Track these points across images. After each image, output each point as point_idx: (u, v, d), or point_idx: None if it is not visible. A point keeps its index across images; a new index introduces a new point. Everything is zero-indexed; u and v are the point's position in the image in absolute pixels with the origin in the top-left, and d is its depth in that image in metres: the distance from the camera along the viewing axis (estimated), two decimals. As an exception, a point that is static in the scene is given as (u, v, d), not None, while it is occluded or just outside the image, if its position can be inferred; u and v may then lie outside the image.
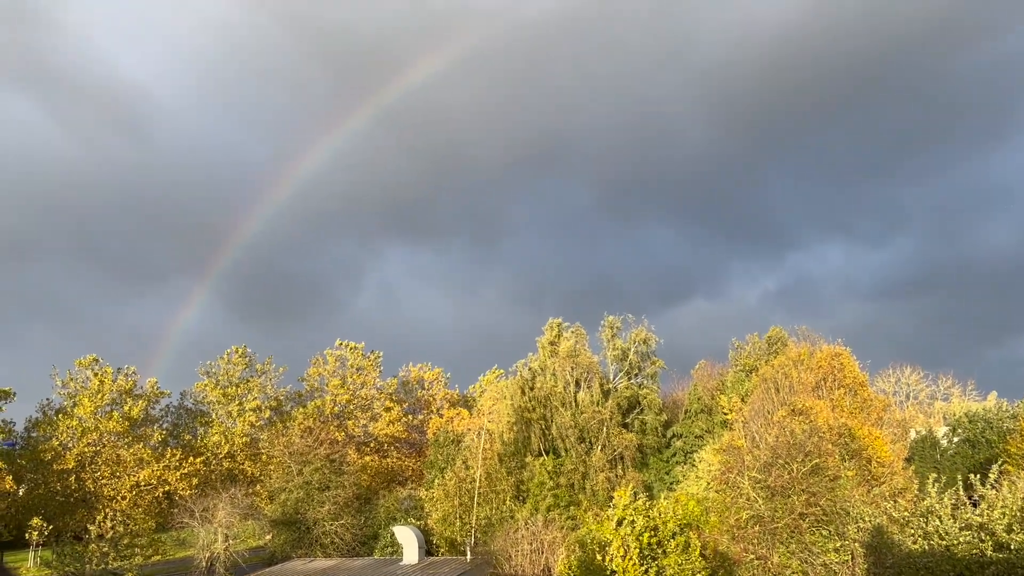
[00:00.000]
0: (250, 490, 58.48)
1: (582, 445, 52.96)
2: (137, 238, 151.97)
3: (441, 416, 74.16)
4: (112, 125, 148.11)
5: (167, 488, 60.77)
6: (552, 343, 59.61)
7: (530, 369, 59.56)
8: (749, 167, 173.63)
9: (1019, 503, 28.54)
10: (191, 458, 62.58)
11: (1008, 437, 47.70)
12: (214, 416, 70.45)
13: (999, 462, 32.52)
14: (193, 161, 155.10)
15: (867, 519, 32.07)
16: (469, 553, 43.03)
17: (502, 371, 67.53)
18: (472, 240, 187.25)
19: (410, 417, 77.20)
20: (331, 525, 50.84)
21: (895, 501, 33.72)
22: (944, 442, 52.57)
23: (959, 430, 52.20)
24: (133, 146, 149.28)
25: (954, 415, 59.33)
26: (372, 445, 72.54)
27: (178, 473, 60.92)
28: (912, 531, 30.56)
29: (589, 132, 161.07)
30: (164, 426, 68.92)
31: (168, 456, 61.86)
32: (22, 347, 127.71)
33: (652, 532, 34.75)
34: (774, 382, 53.34)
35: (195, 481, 60.85)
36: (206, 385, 70.61)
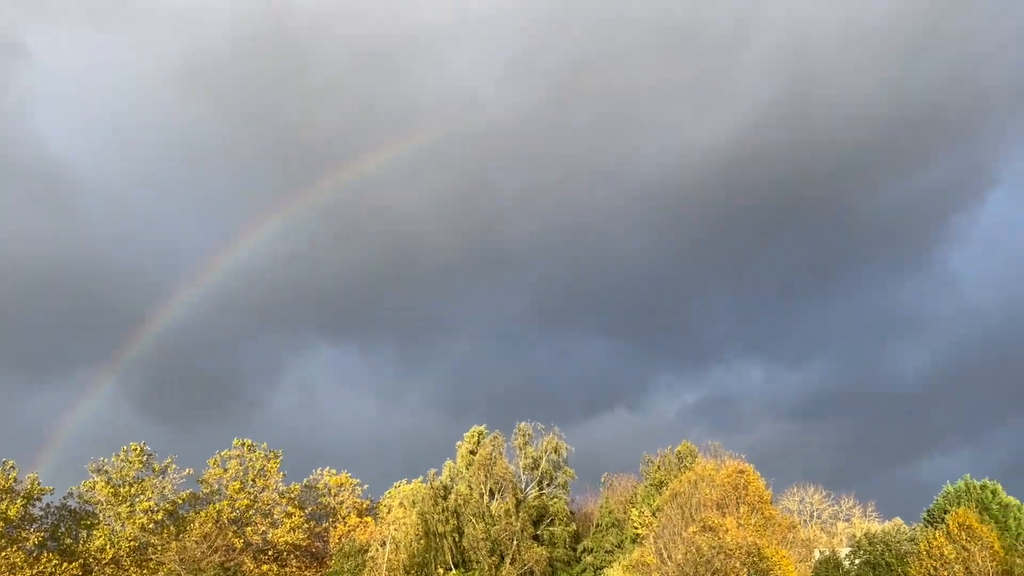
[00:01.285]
0: (134, 601, 54.37)
1: (493, 558, 51.74)
2: (49, 324, 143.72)
3: (345, 524, 71.26)
4: (36, 205, 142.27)
5: (39, 597, 55.85)
6: (472, 452, 58.84)
7: (441, 480, 58.40)
8: (677, 284, 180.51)
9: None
10: (66, 564, 57.94)
11: (907, 559, 48.93)
12: (100, 517, 65.75)
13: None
14: (119, 246, 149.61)
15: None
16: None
17: (419, 482, 65.76)
18: (401, 342, 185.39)
19: (312, 524, 73.78)
20: (221, 641, 47.55)
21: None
22: (846, 563, 53.51)
23: (860, 551, 53.32)
24: (56, 228, 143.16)
25: (855, 536, 60.66)
26: (271, 553, 68.79)
27: (51, 580, 56.20)
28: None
29: (527, 240, 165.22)
30: (44, 527, 63.84)
31: (44, 561, 57.13)
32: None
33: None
34: (682, 497, 53.73)
35: (68, 589, 56.16)
36: (95, 484, 66.13)
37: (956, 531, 46.23)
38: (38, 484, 63.19)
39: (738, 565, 42.73)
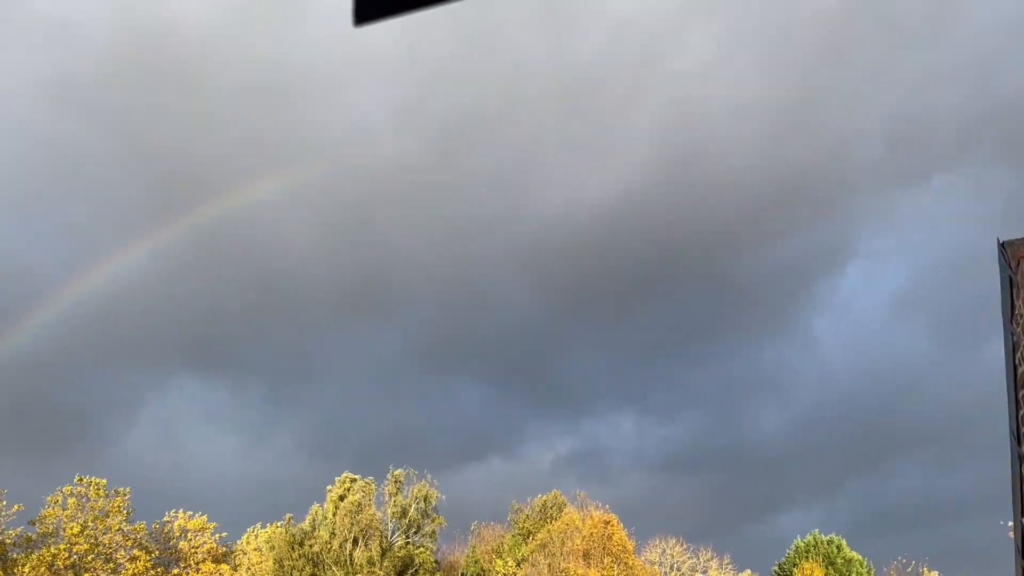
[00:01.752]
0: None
1: (352, 608, 49.96)
2: None
3: (199, 572, 67.15)
4: None
5: None
6: (342, 497, 56.94)
7: (302, 526, 56.21)
8: (555, 336, 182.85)
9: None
10: None
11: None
12: (-85, 560, 59.43)
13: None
14: None
15: None
16: None
17: (278, 527, 62.94)
18: (273, 381, 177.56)
19: (161, 570, 69.13)
20: None
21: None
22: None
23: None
24: None
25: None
26: (110, 601, 63.87)
27: None
28: None
29: (413, 283, 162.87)
30: None
31: None
32: None
33: None
34: (552, 546, 53.91)
35: None
36: (-90, 523, 59.88)
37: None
38: None
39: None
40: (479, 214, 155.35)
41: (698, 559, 71.20)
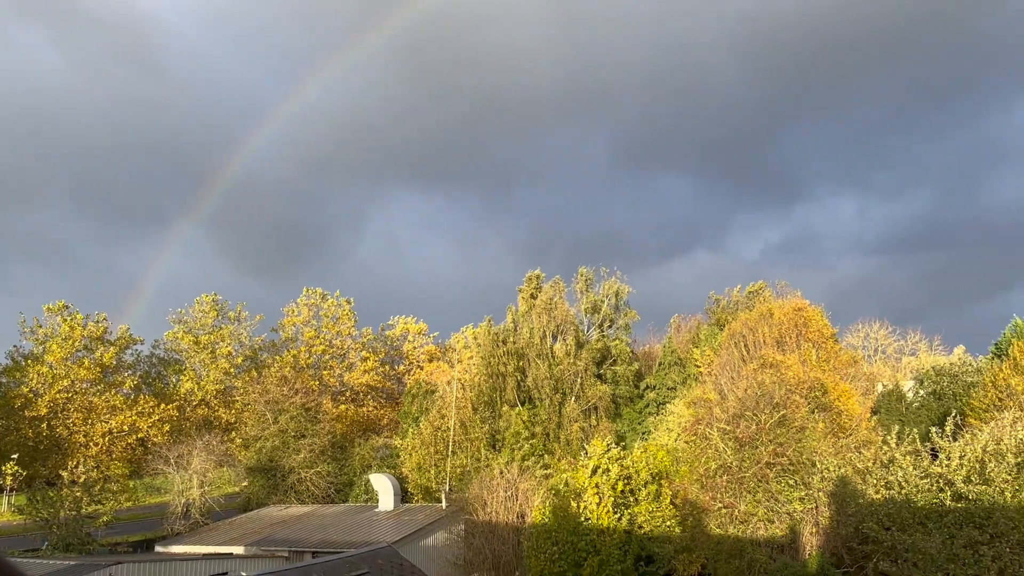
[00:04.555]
0: (225, 437, 58.69)
1: (557, 396, 53.60)
2: (141, 179, 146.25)
3: (421, 368, 74.49)
4: (123, 59, 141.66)
5: (140, 435, 60.78)
6: (532, 295, 59.83)
7: (504, 324, 59.86)
8: (771, 120, 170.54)
9: (978, 454, 29.51)
10: (163, 405, 62.49)
11: (971, 390, 48.90)
12: (187, 364, 70.15)
13: (953, 414, 33.62)
14: (203, 98, 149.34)
15: (831, 469, 32.99)
16: (444, 500, 43.75)
17: (484, 326, 67.93)
18: (484, 188, 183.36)
19: (387, 367, 77.37)
20: (306, 472, 51.31)
21: (859, 452, 34.71)
22: (910, 395, 53.86)
23: (926, 383, 53.49)
24: (144, 81, 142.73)
25: (922, 369, 60.69)
26: (348, 394, 72.83)
27: (151, 420, 60.85)
28: (874, 481, 31.57)
29: (616, 80, 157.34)
30: (137, 373, 68.58)
31: (141, 403, 61.70)
32: (13, 292, 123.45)
33: (625, 481, 35.59)
34: (742, 336, 54.12)
35: (167, 428, 60.87)
36: (177, 333, 70.13)
37: (1022, 360, 45.65)
38: (129, 334, 67.36)
39: (798, 399, 43.37)
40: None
41: (906, 342, 69.08)
